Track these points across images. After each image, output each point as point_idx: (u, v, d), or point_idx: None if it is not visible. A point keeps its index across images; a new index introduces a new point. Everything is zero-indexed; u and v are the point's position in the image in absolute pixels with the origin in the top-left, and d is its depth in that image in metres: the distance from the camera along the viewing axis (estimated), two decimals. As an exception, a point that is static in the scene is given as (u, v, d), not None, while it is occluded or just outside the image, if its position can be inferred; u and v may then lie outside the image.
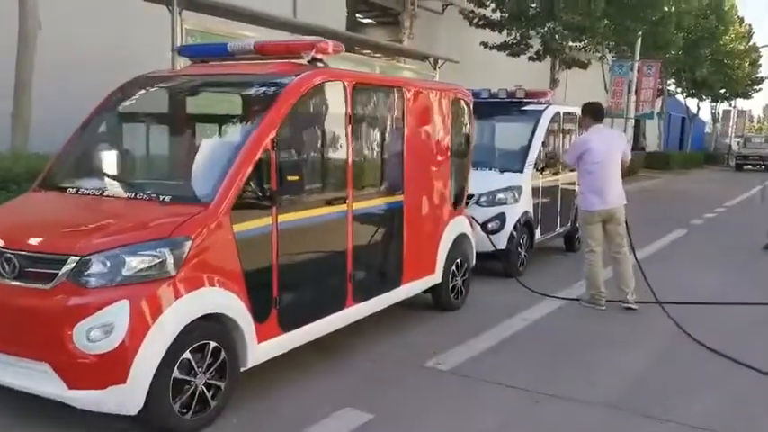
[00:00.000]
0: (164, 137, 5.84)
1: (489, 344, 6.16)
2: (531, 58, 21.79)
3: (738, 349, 6.07)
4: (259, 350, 4.57)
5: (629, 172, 26.66)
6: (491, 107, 9.84)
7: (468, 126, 7.31)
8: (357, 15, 21.60)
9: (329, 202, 5.17)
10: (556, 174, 9.87)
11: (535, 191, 9.23)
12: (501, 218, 8.63)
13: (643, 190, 23.28)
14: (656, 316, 7.16)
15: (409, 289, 6.35)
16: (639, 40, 24.54)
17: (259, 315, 4.54)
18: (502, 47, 21.47)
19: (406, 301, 6.54)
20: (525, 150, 9.20)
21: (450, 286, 7.06)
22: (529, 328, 6.75)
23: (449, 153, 6.84)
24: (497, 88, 9.96)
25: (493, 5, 20.85)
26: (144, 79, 5.62)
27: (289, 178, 4.57)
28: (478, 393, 5.11)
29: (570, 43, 23.45)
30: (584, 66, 24.29)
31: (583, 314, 7.38)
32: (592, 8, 19.16)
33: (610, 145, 7.53)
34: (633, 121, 38.83)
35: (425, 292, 6.87)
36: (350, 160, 5.33)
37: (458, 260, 7.13)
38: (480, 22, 21.30)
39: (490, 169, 9.12)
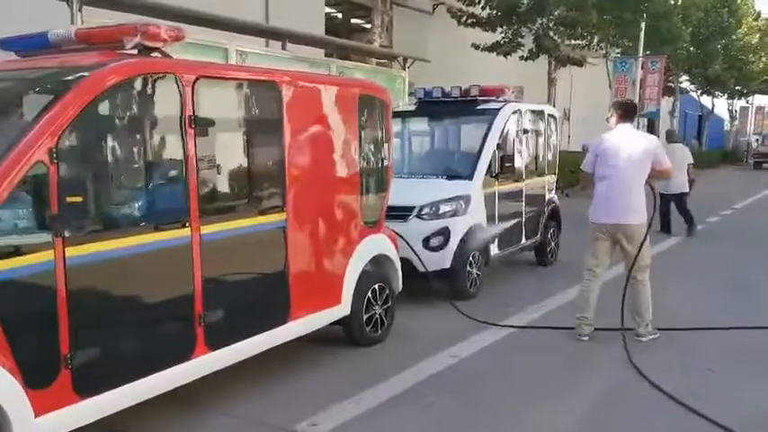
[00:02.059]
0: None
1: (390, 393, 5.02)
2: (522, 58, 20.53)
3: (710, 389, 4.89)
4: (38, 427, 3.46)
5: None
6: (441, 107, 8.71)
7: (385, 128, 6.15)
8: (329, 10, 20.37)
9: (157, 227, 4.05)
10: (518, 180, 8.68)
11: (490, 200, 8.05)
12: (444, 232, 7.47)
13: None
14: (616, 346, 5.96)
15: (302, 325, 5.23)
16: (643, 35, 23.10)
17: (36, 380, 3.44)
18: (493, 47, 20.24)
19: (318, 334, 5.50)
20: (476, 155, 8.03)
21: (366, 318, 5.92)
22: (451, 369, 5.57)
23: (357, 161, 5.71)
24: (450, 86, 8.77)
25: (482, 3, 19.62)
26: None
27: (69, 199, 3.47)
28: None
29: (567, 41, 22.23)
30: (579, 63, 22.96)
31: (527, 347, 6.20)
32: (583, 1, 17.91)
33: (633, 149, 6.13)
34: (646, 120, 37.59)
35: (336, 324, 5.75)
36: (192, 173, 4.21)
37: (375, 287, 5.99)
38: (469, 21, 20.11)
39: (437, 177, 7.97)
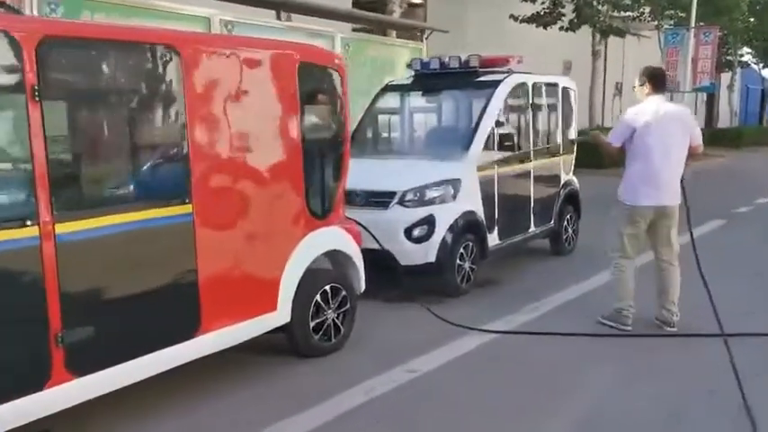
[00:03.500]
0: None
1: (319, 421, 4.03)
2: (563, 29, 19.06)
3: None
4: None
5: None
6: (439, 80, 7.59)
7: (338, 102, 5.10)
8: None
9: (-16, 228, 3.14)
10: (524, 161, 7.53)
11: (488, 184, 6.94)
12: (429, 221, 6.40)
13: (697, 171, 20.24)
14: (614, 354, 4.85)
15: (219, 339, 4.27)
16: (695, 5, 21.25)
17: None
18: (531, 19, 18.84)
19: (259, 342, 4.56)
20: (471, 132, 6.91)
21: (314, 324, 4.93)
22: (398, 391, 4.52)
23: (297, 141, 4.69)
24: (448, 56, 7.64)
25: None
26: None
27: None
28: None
29: (614, 12, 20.64)
30: (621, 34, 21.30)
31: (507, 359, 5.14)
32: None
33: (671, 124, 5.47)
34: (705, 95, 35.32)
35: (279, 331, 4.79)
36: (39, 158, 3.26)
37: (326, 288, 4.99)
38: (507, -8, 18.77)
39: (427, 159, 6.90)
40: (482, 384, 4.67)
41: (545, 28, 18.93)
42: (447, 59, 7.62)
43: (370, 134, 7.79)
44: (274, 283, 4.61)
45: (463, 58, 7.52)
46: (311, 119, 4.87)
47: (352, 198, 6.57)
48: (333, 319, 5.07)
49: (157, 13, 7.74)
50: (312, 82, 4.86)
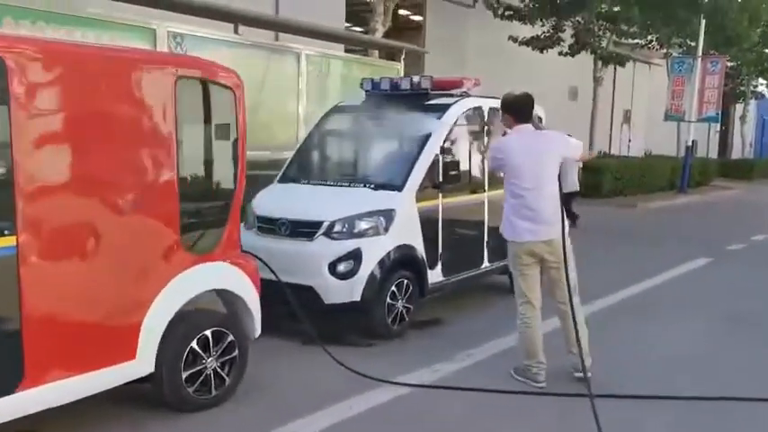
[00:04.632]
0: None
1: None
2: (561, 53, 18.36)
3: None
4: None
5: (697, 183, 22.73)
6: (388, 102, 6.89)
7: (232, 123, 4.44)
8: None
9: None
10: (477, 191, 6.82)
11: (430, 215, 6.25)
12: (355, 256, 5.72)
13: (701, 204, 19.41)
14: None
15: (50, 394, 3.60)
16: (702, 34, 20.44)
17: None
18: (531, 41, 18.17)
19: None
20: (412, 160, 6.22)
21: (189, 374, 4.25)
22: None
23: (172, 166, 4.04)
24: (399, 77, 7.00)
25: (520, -6, 17.60)
26: None
27: None
28: None
29: (617, 38, 19.90)
30: (622, 62, 20.53)
31: (416, 414, 4.46)
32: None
33: (541, 155, 4.93)
34: (718, 125, 34.31)
35: (145, 382, 4.12)
36: None
37: (206, 333, 4.31)
38: (506, 14, 18.09)
39: (363, 186, 6.22)
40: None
41: (542, 51, 18.21)
42: (399, 80, 6.99)
43: (308, 158, 7.13)
44: (132, 328, 3.93)
45: (415, 79, 6.87)
46: (192, 141, 4.22)
47: (278, 228, 5.96)
48: (214, 369, 4.37)
49: (93, 23, 7.15)
50: (196, 100, 4.22)
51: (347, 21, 15.85)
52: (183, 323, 4.19)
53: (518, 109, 4.99)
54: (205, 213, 4.38)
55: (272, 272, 5.02)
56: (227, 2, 9.30)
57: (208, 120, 4.37)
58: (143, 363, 4.00)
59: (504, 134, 5.16)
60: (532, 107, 5.05)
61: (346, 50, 13.05)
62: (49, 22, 6.88)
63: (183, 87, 4.08)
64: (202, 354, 4.30)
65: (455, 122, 6.49)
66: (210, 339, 4.34)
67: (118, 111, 3.78)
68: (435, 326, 6.38)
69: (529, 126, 5.06)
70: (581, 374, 4.77)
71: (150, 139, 3.93)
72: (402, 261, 5.98)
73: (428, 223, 6.21)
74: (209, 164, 4.39)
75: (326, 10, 14.83)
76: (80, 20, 7.06)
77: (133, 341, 3.94)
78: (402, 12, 20.52)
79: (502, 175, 5.13)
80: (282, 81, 9.24)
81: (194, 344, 4.25)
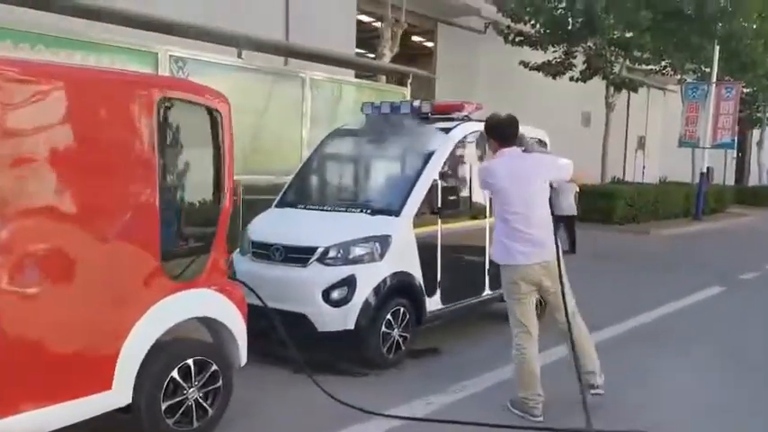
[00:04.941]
0: None
1: None
2: (573, 79, 18.23)
3: None
4: None
5: (712, 210, 22.38)
6: (389, 126, 6.80)
7: (218, 146, 4.32)
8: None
9: None
10: (477, 217, 6.67)
11: (429, 241, 6.09)
12: (349, 282, 5.57)
13: (715, 231, 19.07)
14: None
15: (21, 425, 3.45)
16: (716, 60, 20.23)
17: None
18: (543, 67, 18.06)
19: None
20: (410, 185, 6.08)
21: (170, 405, 4.10)
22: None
23: (154, 190, 3.92)
24: (400, 100, 6.91)
25: (531, 21, 17.48)
26: None
27: None
28: None
29: (630, 64, 19.74)
30: (635, 87, 20.36)
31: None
32: (638, 19, 15.44)
33: (528, 179, 4.80)
34: (735, 152, 33.96)
35: (123, 412, 3.97)
36: None
37: (187, 362, 4.16)
38: (517, 40, 18.02)
39: (360, 211, 6.08)
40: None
41: (554, 77, 18.10)
42: (399, 104, 6.87)
43: (306, 182, 7.01)
44: (108, 357, 3.79)
45: (415, 103, 6.76)
46: (175, 163, 4.11)
47: (272, 253, 5.82)
48: (196, 400, 4.22)
49: (94, 47, 7.12)
50: (179, 121, 4.10)
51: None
52: (164, 352, 4.05)
53: (501, 132, 4.88)
54: (188, 239, 4.25)
55: (259, 298, 4.86)
56: (232, 27, 9.26)
57: (193, 142, 4.24)
58: (120, 393, 3.85)
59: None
60: (517, 129, 4.91)
61: (356, 76, 13.04)
62: (49, 46, 6.89)
63: (166, 109, 3.98)
64: (183, 384, 4.14)
65: (455, 147, 6.35)
66: (192, 369, 4.18)
67: (94, 132, 3.67)
68: (433, 355, 6.19)
69: (515, 149, 4.91)
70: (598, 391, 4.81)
71: (129, 162, 3.82)
72: (398, 288, 5.82)
73: (426, 250, 6.06)
74: (193, 188, 4.25)
75: (337, 36, 14.87)
76: (80, 43, 7.05)
77: (109, 370, 3.80)
78: (414, 38, 20.57)
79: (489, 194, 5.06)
80: (287, 105, 9.18)
81: (175, 373, 4.09)
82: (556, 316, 4.91)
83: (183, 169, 4.18)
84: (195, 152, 4.27)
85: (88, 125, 3.64)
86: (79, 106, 3.59)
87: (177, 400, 4.13)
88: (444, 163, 6.22)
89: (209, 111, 4.26)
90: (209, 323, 4.42)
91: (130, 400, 3.92)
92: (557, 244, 4.83)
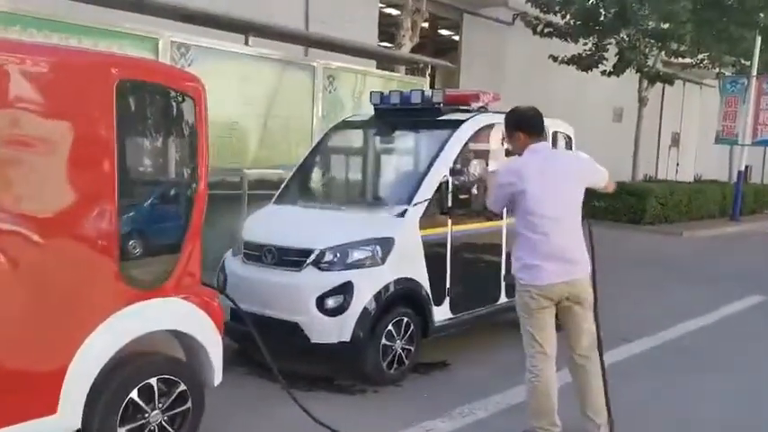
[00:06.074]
0: None
1: None
2: (605, 73, 17.45)
3: None
4: None
5: (751, 210, 21.38)
6: (398, 118, 6.26)
7: (186, 134, 3.80)
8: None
9: None
10: (492, 218, 6.06)
11: (437, 245, 5.53)
12: (346, 290, 5.02)
13: (751, 235, 18.15)
14: None
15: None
16: (758, 51, 19.25)
17: None
18: (572, 60, 17.32)
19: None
20: (417, 182, 5.52)
21: (131, 429, 3.60)
22: None
23: (108, 184, 3.41)
24: (410, 90, 6.32)
25: (561, 11, 16.74)
26: None
27: None
28: None
29: (666, 57, 18.90)
30: (670, 81, 19.47)
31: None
32: (675, 10, 14.62)
33: (565, 178, 4.12)
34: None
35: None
36: None
37: (149, 382, 3.66)
38: (546, 31, 17.30)
39: (361, 210, 5.55)
40: None
41: (585, 71, 17.33)
42: (409, 94, 6.30)
43: (307, 177, 6.47)
44: (53, 377, 3.30)
45: (426, 93, 6.19)
46: (139, 152, 3.61)
47: (263, 255, 5.31)
48: (160, 424, 3.72)
49: (89, 31, 6.65)
50: (143, 107, 3.60)
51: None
52: (121, 370, 3.55)
53: (528, 122, 4.22)
54: (153, 238, 3.74)
55: (235, 304, 4.34)
56: (241, 12, 8.76)
57: (160, 129, 3.73)
58: (66, 417, 3.36)
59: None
60: (543, 121, 4.29)
61: (379, 67, 12.49)
62: (41, 29, 6.45)
63: (127, 92, 3.47)
64: (145, 406, 3.64)
65: (468, 141, 5.77)
66: (156, 389, 3.68)
67: (38, 116, 3.17)
68: (440, 370, 5.63)
69: (545, 144, 4.32)
70: None
71: (80, 150, 3.31)
72: (402, 296, 5.27)
73: (434, 253, 5.50)
74: (160, 180, 3.75)
75: (359, 25, 14.34)
76: (74, 27, 6.58)
77: (54, 392, 3.31)
78: (441, 32, 19.92)
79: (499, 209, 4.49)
80: (297, 96, 8.66)
81: (134, 394, 3.60)
82: (571, 340, 4.25)
83: (148, 159, 3.68)
84: (163, 140, 3.76)
85: (30, 108, 3.14)
86: (21, 87, 3.08)
87: (138, 424, 3.63)
88: (456, 158, 5.64)
89: (180, 94, 3.73)
90: (179, 336, 3.91)
91: (79, 426, 3.43)
92: (593, 259, 4.20)
